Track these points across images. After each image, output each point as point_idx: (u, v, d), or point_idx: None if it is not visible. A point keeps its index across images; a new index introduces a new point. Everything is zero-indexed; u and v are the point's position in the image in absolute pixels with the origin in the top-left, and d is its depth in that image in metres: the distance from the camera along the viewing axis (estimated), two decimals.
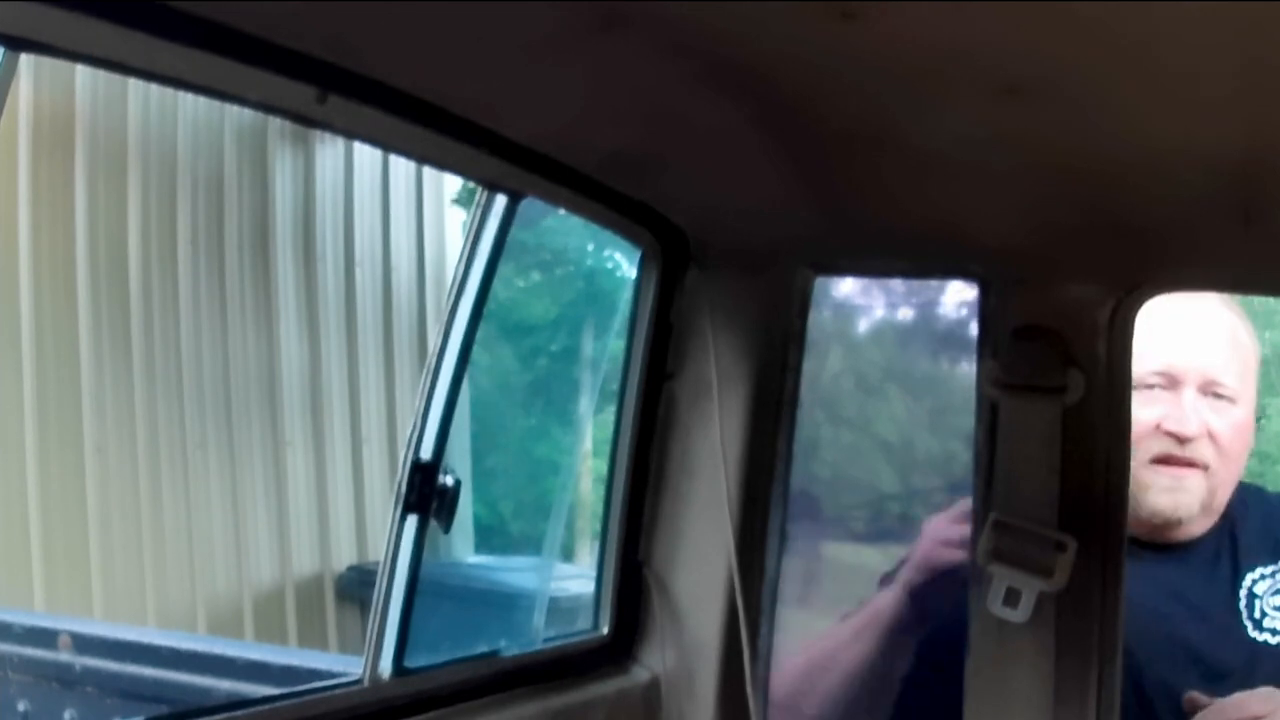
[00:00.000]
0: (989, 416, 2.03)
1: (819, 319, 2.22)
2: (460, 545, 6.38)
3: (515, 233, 1.81)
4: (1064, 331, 2.00)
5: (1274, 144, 1.50)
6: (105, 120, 5.27)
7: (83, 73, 5.04)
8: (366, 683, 1.71)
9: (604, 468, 2.25)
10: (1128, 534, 2.01)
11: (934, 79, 1.42)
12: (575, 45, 1.40)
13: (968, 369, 2.12)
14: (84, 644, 3.39)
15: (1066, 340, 1.99)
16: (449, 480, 1.79)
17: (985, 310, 2.06)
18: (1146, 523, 2.12)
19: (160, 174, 5.48)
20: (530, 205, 1.83)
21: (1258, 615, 2.12)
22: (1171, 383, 2.13)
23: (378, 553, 1.90)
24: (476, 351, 1.83)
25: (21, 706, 3.34)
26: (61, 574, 5.07)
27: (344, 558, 6.24)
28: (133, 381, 5.33)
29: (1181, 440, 2.09)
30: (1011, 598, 1.97)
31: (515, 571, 5.83)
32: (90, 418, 5.19)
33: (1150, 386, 2.11)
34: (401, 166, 6.57)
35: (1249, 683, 2.00)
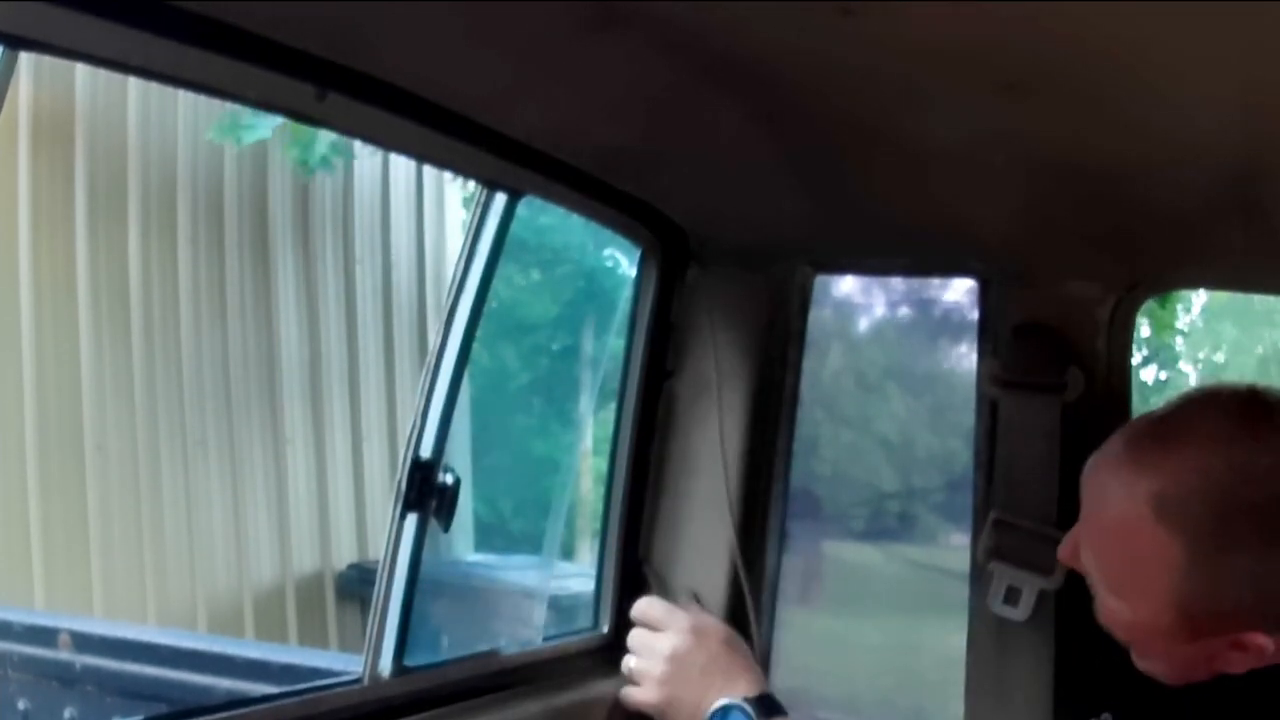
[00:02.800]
0: (989, 414, 2.03)
1: (819, 317, 2.22)
2: (460, 543, 6.38)
3: (514, 231, 1.81)
4: (1064, 329, 2.00)
5: (1274, 143, 1.50)
6: (105, 119, 5.27)
7: (83, 72, 5.04)
8: (366, 681, 1.71)
9: (604, 466, 2.25)
10: None
11: (933, 75, 1.42)
12: (574, 43, 1.40)
13: (968, 367, 2.12)
14: (84, 642, 3.39)
15: (1066, 338, 1.99)
16: (449, 478, 1.79)
17: (985, 308, 2.06)
18: None
19: (160, 172, 5.48)
20: (530, 203, 1.83)
21: None
22: None
23: (378, 551, 1.90)
24: (476, 350, 1.83)
25: (21, 705, 3.34)
26: (61, 572, 5.07)
27: (344, 555, 6.25)
28: (133, 380, 5.33)
29: None
30: (1011, 596, 1.97)
31: (515, 570, 5.83)
32: (90, 416, 5.19)
33: None
34: (401, 163, 6.57)
35: None
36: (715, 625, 1.61)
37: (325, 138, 5.66)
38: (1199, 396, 1.40)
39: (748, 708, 1.50)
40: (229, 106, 5.50)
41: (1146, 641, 1.38)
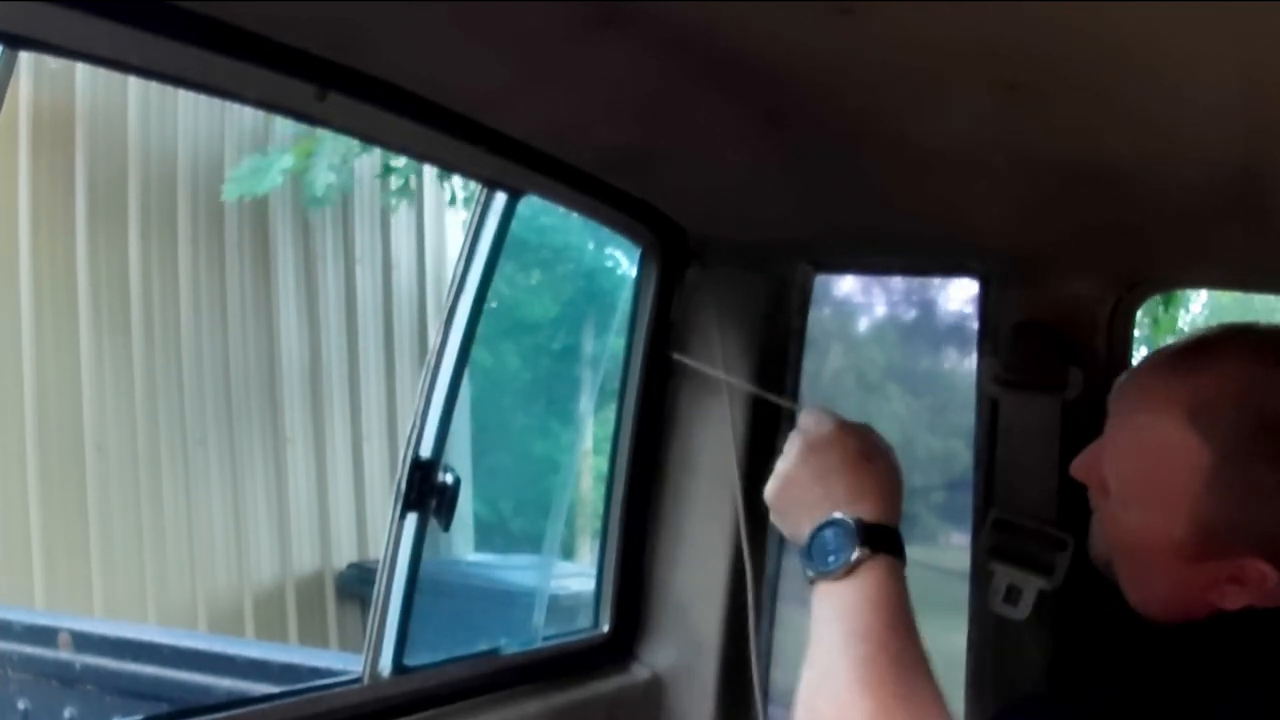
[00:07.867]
0: (989, 413, 2.03)
1: (819, 316, 2.22)
2: (460, 543, 6.38)
3: (515, 230, 1.81)
4: (1064, 328, 1.99)
5: (1274, 142, 1.50)
6: (105, 119, 5.27)
7: (83, 72, 5.04)
8: (366, 681, 1.71)
9: (604, 465, 2.25)
10: None
11: (933, 75, 1.42)
12: (575, 42, 1.40)
13: (968, 366, 2.12)
14: (84, 642, 3.39)
15: (1066, 337, 1.99)
16: (449, 478, 1.79)
17: (985, 307, 2.06)
18: None
19: (160, 172, 5.48)
20: (530, 203, 1.83)
21: None
22: None
23: (378, 550, 1.90)
24: (476, 349, 1.83)
25: (21, 705, 3.34)
26: (62, 572, 5.07)
27: (345, 555, 6.24)
28: (133, 380, 5.33)
29: None
30: (1012, 595, 1.96)
31: (515, 569, 5.82)
32: (90, 416, 5.19)
33: None
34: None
35: None
36: (860, 432, 1.38)
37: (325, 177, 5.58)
38: (1234, 326, 1.41)
39: (849, 521, 1.28)
40: (234, 161, 5.53)
41: (1149, 562, 1.37)
